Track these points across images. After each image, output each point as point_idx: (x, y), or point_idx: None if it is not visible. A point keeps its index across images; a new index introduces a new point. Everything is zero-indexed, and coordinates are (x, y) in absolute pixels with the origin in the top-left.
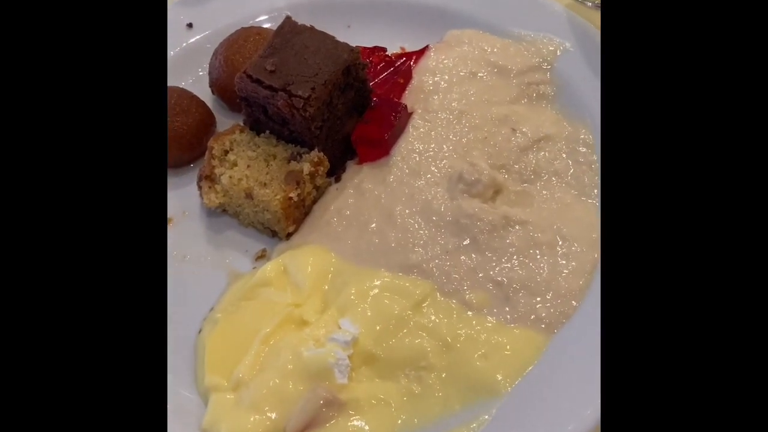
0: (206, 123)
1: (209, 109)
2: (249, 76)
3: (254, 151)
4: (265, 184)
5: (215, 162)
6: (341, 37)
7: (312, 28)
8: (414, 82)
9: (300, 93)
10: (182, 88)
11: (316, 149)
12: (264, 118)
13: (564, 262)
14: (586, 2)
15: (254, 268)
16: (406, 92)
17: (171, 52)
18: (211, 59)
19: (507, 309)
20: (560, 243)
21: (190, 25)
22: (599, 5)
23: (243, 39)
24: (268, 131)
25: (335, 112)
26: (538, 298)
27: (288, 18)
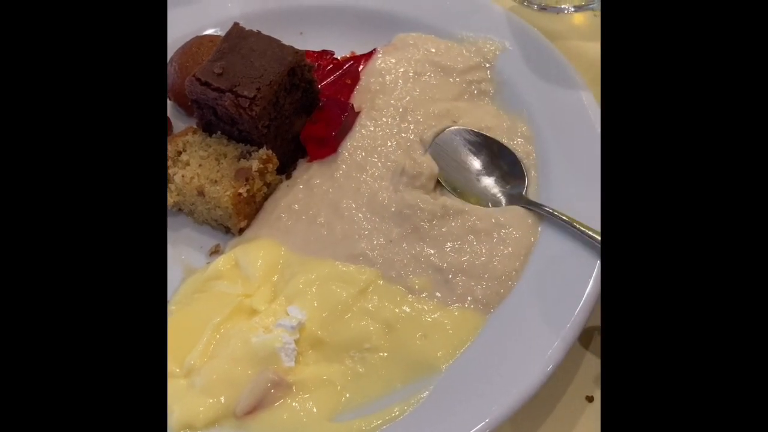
0: None
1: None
2: (198, 80)
3: (206, 151)
4: (215, 181)
5: (169, 162)
6: (294, 44)
7: (258, 33)
8: (362, 83)
9: (246, 93)
10: None
11: (264, 147)
12: (215, 120)
13: (501, 246)
14: (532, 5)
15: (208, 263)
16: (354, 93)
17: None
18: (167, 67)
19: (447, 292)
20: (497, 229)
21: None
22: (544, 7)
23: (196, 47)
24: (219, 132)
25: (283, 112)
26: (476, 281)
27: (236, 24)
